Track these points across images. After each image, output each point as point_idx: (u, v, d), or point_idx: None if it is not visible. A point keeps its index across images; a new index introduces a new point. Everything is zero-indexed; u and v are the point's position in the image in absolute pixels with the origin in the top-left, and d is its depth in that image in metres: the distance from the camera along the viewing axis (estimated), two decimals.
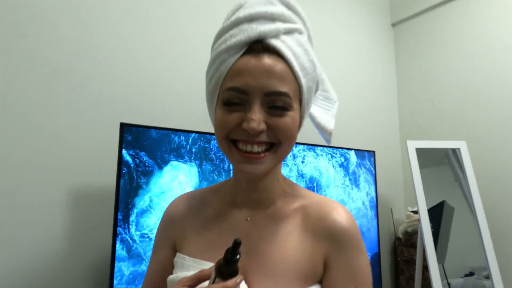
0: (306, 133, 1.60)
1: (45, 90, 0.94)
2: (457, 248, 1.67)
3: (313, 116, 0.55)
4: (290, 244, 0.47)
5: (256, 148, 0.44)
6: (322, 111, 0.56)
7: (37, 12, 0.95)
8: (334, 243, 0.47)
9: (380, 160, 2.02)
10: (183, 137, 0.95)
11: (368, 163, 1.67)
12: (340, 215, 0.48)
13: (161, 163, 0.90)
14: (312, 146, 1.38)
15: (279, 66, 0.43)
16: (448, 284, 1.57)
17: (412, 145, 1.74)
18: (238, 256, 0.40)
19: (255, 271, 0.46)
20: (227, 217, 0.52)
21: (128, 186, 0.83)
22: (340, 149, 1.51)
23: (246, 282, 0.46)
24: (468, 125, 1.92)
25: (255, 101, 0.43)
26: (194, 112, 1.16)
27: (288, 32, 0.45)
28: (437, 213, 1.73)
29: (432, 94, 2.11)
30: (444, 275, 1.60)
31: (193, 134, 0.98)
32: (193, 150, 0.96)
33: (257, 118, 0.42)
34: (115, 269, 0.81)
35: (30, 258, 0.87)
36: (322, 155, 1.41)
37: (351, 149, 1.58)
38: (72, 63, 1.00)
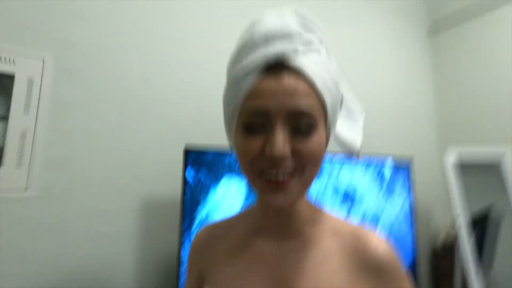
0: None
1: (119, 115, 1.14)
2: (508, 257, 1.61)
3: (337, 134, 0.51)
4: (323, 275, 0.44)
5: (281, 176, 0.41)
6: (346, 128, 0.52)
7: (115, 53, 1.15)
8: (381, 278, 0.44)
9: (420, 168, 2.02)
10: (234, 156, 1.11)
11: (406, 170, 1.70)
12: (381, 246, 0.46)
13: (217, 180, 1.06)
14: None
15: (301, 85, 0.40)
16: None
17: (451, 153, 1.74)
18: None
19: None
20: (253, 247, 0.49)
21: (190, 200, 1.00)
22: (376, 157, 1.58)
23: None
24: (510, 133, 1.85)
25: (277, 123, 0.40)
26: None
27: (307, 49, 0.42)
28: (483, 219, 1.69)
29: (474, 99, 2.06)
30: (491, 283, 1.55)
31: None
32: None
33: (281, 142, 0.39)
34: (181, 271, 0.98)
35: (103, 258, 1.06)
36: (357, 164, 1.49)
37: (387, 156, 1.63)
38: (142, 91, 1.19)
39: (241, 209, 0.59)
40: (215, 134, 1.26)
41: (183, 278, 0.65)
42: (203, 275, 0.53)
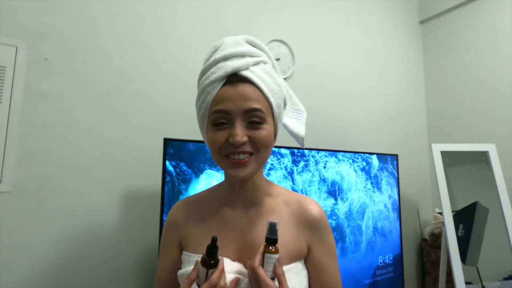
0: (328, 139, 1.68)
1: (100, 109, 1.11)
2: (494, 250, 1.62)
3: (286, 126, 0.67)
4: (278, 232, 0.57)
5: (242, 156, 0.56)
6: (293, 121, 0.69)
7: (93, 43, 1.12)
8: (314, 231, 0.63)
9: (406, 162, 2.04)
10: None
11: (391, 167, 1.71)
12: (316, 210, 0.64)
13: (198, 172, 1.03)
14: (334, 152, 1.46)
15: (251, 90, 0.55)
16: (483, 287, 1.55)
17: (437, 148, 1.75)
18: (216, 249, 0.53)
19: (251, 257, 0.57)
20: (223, 216, 0.63)
21: (171, 192, 0.97)
22: (361, 154, 1.58)
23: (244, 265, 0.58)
24: (498, 127, 1.88)
25: (236, 119, 0.55)
26: None
27: (255, 63, 0.57)
28: (469, 214, 1.70)
29: (461, 95, 2.08)
30: (478, 277, 1.56)
31: None
32: None
33: (239, 132, 0.54)
34: None
35: (83, 252, 1.03)
36: (343, 160, 1.48)
37: (373, 154, 1.64)
38: (121, 85, 1.15)
39: (211, 186, 0.72)
40: (196, 127, 1.25)
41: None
42: (181, 244, 0.65)
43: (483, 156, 1.77)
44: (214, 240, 0.53)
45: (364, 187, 1.55)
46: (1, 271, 0.91)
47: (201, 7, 1.35)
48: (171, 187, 0.98)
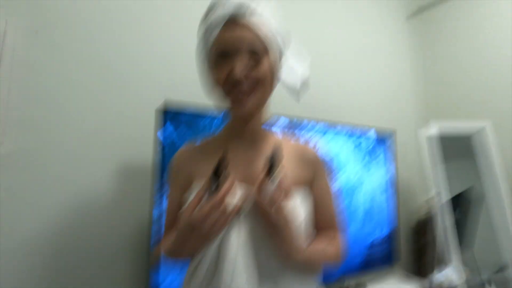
0: (324, 111, 1.67)
1: (90, 78, 1.09)
2: (491, 242, 1.62)
3: (283, 81, 0.69)
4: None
5: (241, 94, 0.59)
6: (290, 77, 0.71)
7: (84, 15, 1.10)
8: (312, 167, 0.69)
9: (402, 142, 2.04)
10: (208, 120, 1.08)
11: (388, 142, 1.71)
12: (313, 150, 0.71)
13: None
14: (330, 124, 1.45)
15: (254, 28, 0.59)
16: (479, 273, 1.55)
17: (434, 126, 1.75)
18: (227, 163, 0.55)
19: (249, 182, 0.61)
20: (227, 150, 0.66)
21: (163, 162, 0.97)
22: (359, 128, 1.57)
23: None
24: (494, 106, 1.88)
25: (238, 56, 0.58)
26: None
27: (253, 10, 0.60)
28: (464, 200, 1.70)
29: (457, 76, 2.07)
30: (476, 267, 1.57)
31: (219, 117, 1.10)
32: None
33: (241, 68, 0.57)
34: (153, 232, 0.97)
35: (74, 223, 1.03)
36: (340, 134, 1.48)
37: (370, 128, 1.64)
38: (112, 53, 1.14)
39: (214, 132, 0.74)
40: (191, 96, 1.24)
41: (164, 203, 0.70)
42: (189, 178, 0.67)
43: (476, 137, 1.75)
44: (224, 156, 0.55)
45: (361, 161, 1.56)
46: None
47: None
48: (163, 157, 0.98)
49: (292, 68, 0.70)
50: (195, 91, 1.11)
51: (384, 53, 2.08)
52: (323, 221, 0.69)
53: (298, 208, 0.61)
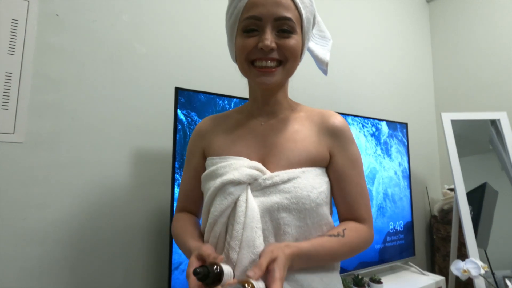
0: (337, 103, 1.67)
1: (109, 64, 1.11)
2: (505, 238, 1.57)
3: (311, 51, 0.69)
4: (298, 137, 0.61)
5: (269, 63, 0.57)
6: (319, 47, 0.70)
7: (104, 1, 1.12)
8: (336, 138, 0.62)
9: (415, 135, 2.02)
10: (226, 101, 1.08)
11: (401, 135, 1.69)
12: (338, 120, 0.64)
13: None
14: (343, 115, 1.45)
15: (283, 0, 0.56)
16: (493, 274, 1.50)
17: (447, 117, 1.73)
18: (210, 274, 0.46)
19: (272, 160, 0.59)
20: (246, 125, 0.65)
21: (183, 140, 0.97)
22: (371, 119, 1.56)
23: (267, 168, 0.58)
24: (509, 96, 1.86)
25: (267, 26, 0.56)
26: (237, 81, 1.29)
27: None
28: (478, 196, 1.66)
29: (470, 66, 2.06)
30: (487, 263, 1.50)
31: (235, 99, 1.10)
32: None
33: (269, 38, 0.56)
34: (173, 211, 0.96)
35: (92, 207, 1.04)
36: (353, 124, 1.47)
37: (382, 120, 1.62)
38: (131, 43, 1.16)
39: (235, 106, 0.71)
40: (206, 83, 1.25)
41: (182, 174, 0.68)
42: (205, 151, 0.66)
43: (491, 145, 1.72)
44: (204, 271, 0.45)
45: (374, 153, 1.54)
46: (16, 219, 0.92)
47: None
48: (182, 135, 0.98)
49: (321, 40, 0.70)
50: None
51: (403, 38, 2.08)
52: (345, 203, 0.62)
53: (312, 181, 0.57)
